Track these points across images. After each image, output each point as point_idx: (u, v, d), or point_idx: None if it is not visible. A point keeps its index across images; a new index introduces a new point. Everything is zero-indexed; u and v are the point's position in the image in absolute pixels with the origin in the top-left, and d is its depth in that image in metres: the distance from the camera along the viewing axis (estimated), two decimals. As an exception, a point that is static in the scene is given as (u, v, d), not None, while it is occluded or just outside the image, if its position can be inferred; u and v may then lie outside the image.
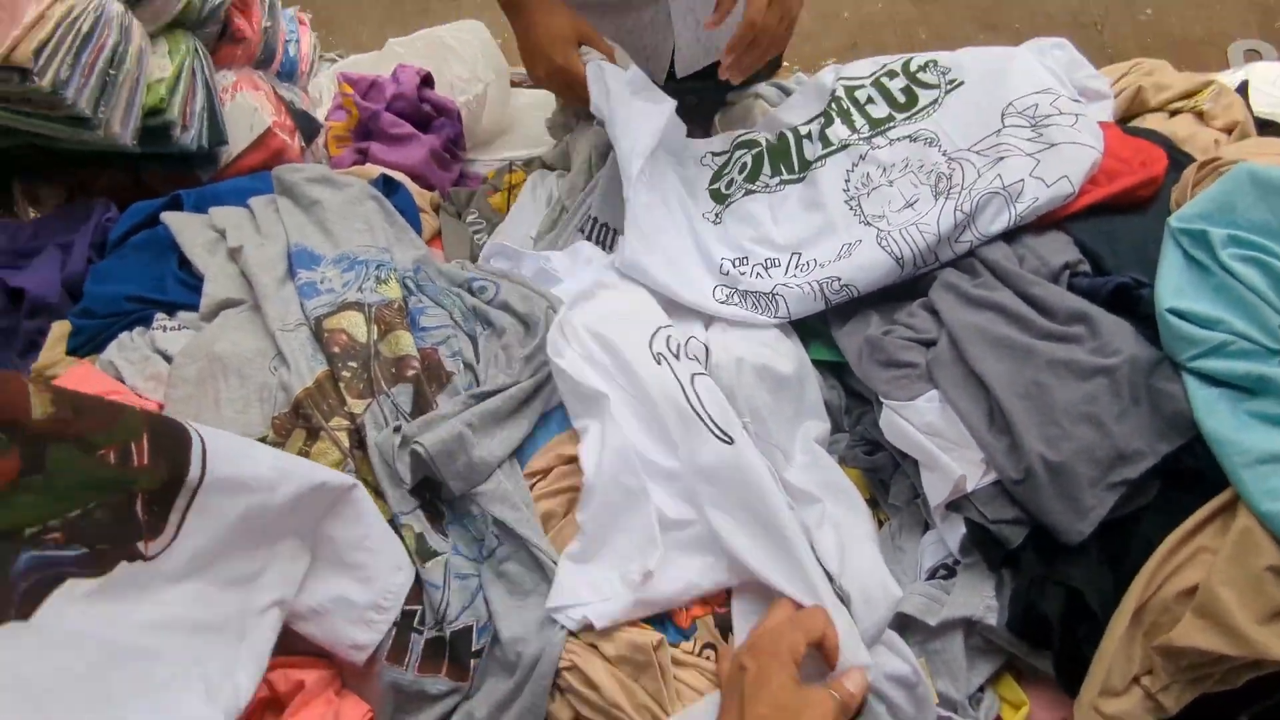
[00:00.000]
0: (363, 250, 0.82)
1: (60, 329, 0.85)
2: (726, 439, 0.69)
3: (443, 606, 0.65)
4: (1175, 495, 0.68)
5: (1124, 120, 0.97)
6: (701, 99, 1.23)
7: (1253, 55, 2.28)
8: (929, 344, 0.79)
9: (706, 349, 0.80)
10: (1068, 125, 0.81)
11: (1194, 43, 2.51)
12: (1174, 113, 0.94)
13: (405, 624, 0.66)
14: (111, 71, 0.88)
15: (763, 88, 1.29)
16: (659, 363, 0.74)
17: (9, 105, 0.86)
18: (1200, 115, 0.92)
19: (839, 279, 0.82)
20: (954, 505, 0.72)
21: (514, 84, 1.35)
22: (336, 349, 0.73)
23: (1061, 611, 0.66)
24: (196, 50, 1.01)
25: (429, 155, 1.11)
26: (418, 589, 0.67)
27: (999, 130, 0.87)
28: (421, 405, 0.72)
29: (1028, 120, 0.84)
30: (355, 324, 0.75)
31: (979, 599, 0.68)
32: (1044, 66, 0.89)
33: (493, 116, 1.26)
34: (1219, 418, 0.64)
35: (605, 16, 1.13)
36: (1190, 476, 0.67)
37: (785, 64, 2.53)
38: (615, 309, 0.80)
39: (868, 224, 0.87)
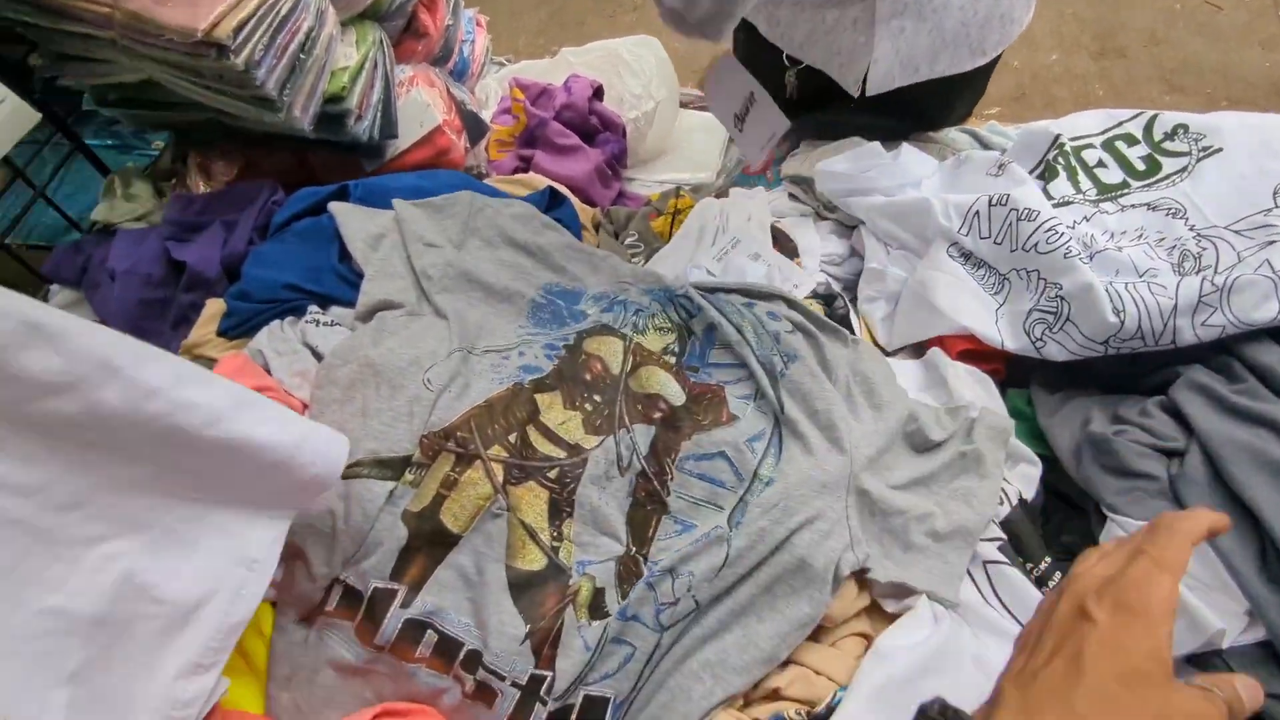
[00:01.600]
0: (615, 289, 0.80)
1: (214, 307, 0.83)
2: None
3: (584, 669, 0.58)
4: None
5: None
6: (885, 133, 1.13)
7: None
8: (1171, 454, 0.66)
9: None
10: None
11: None
12: None
13: (530, 691, 0.59)
14: (302, 56, 0.86)
15: (953, 134, 1.17)
16: None
17: (202, 80, 0.85)
18: None
19: (1060, 285, 0.74)
20: (1195, 659, 0.59)
21: (683, 104, 1.29)
22: (589, 376, 0.71)
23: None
24: (381, 42, 0.99)
25: (594, 170, 1.06)
26: (551, 654, 0.60)
27: (1269, 210, 0.74)
28: (659, 450, 0.67)
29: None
30: (613, 352, 0.73)
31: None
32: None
33: (658, 135, 1.21)
34: None
35: (801, 11, 1.04)
36: None
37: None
38: None
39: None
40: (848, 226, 1.02)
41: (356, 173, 1.02)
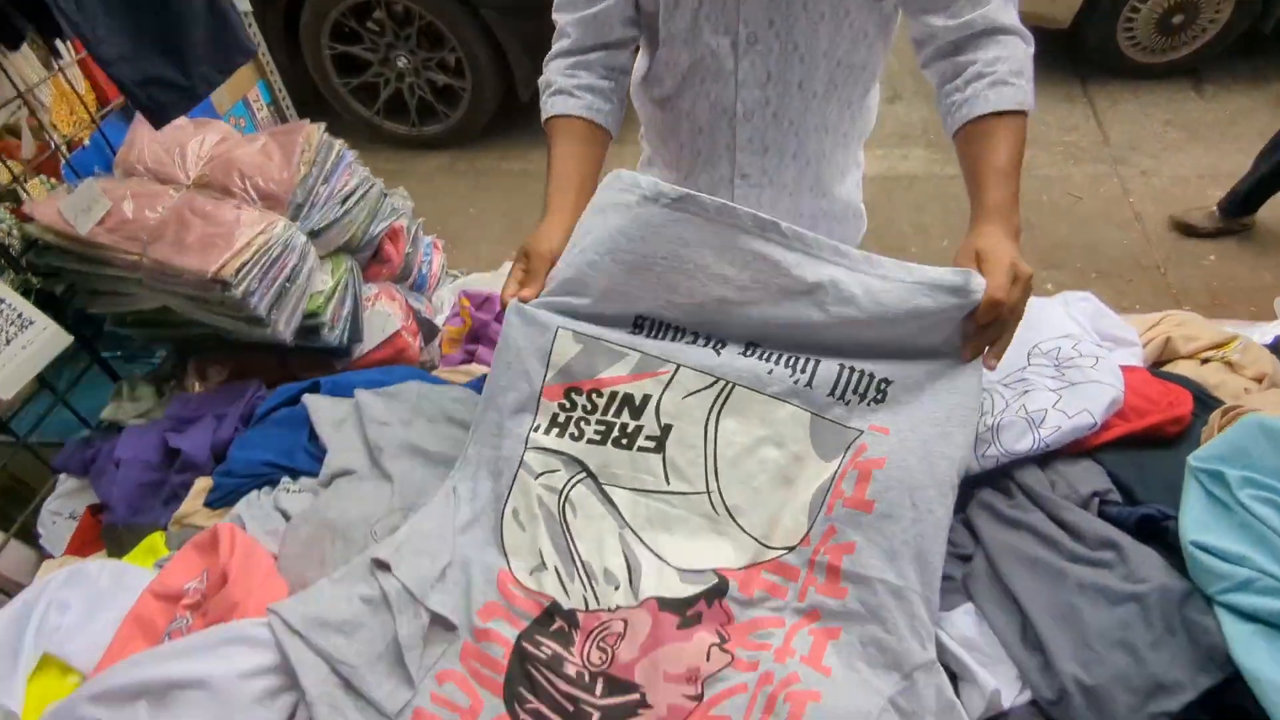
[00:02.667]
0: None
1: (202, 484, 1.01)
2: None
3: None
4: (1224, 734, 0.68)
5: (1157, 365, 1.05)
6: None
7: None
8: (966, 559, 0.84)
9: None
10: (1088, 366, 0.90)
11: (1262, 288, 2.59)
12: (1205, 361, 1.01)
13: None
14: (288, 284, 1.10)
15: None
16: None
17: (207, 306, 1.09)
18: (1230, 365, 0.99)
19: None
20: (992, 723, 0.73)
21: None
22: None
23: None
24: (352, 268, 1.25)
25: (526, 359, 1.28)
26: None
27: (1024, 368, 0.96)
28: None
29: (1051, 361, 0.93)
30: None
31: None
32: (1069, 315, 0.99)
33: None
34: (1256, 656, 0.65)
35: (682, 180, 1.23)
36: (1238, 714, 0.67)
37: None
38: None
39: None
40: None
41: (328, 370, 1.23)
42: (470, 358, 1.31)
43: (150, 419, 1.19)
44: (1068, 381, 0.89)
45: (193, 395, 1.16)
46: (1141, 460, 0.86)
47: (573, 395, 0.90)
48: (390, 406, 1.03)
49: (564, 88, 1.06)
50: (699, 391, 0.87)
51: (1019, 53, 0.93)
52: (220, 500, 0.97)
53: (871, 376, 0.84)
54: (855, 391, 0.84)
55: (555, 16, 1.09)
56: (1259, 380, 0.97)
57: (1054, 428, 0.86)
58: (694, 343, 0.89)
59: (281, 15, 3.18)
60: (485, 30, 3.07)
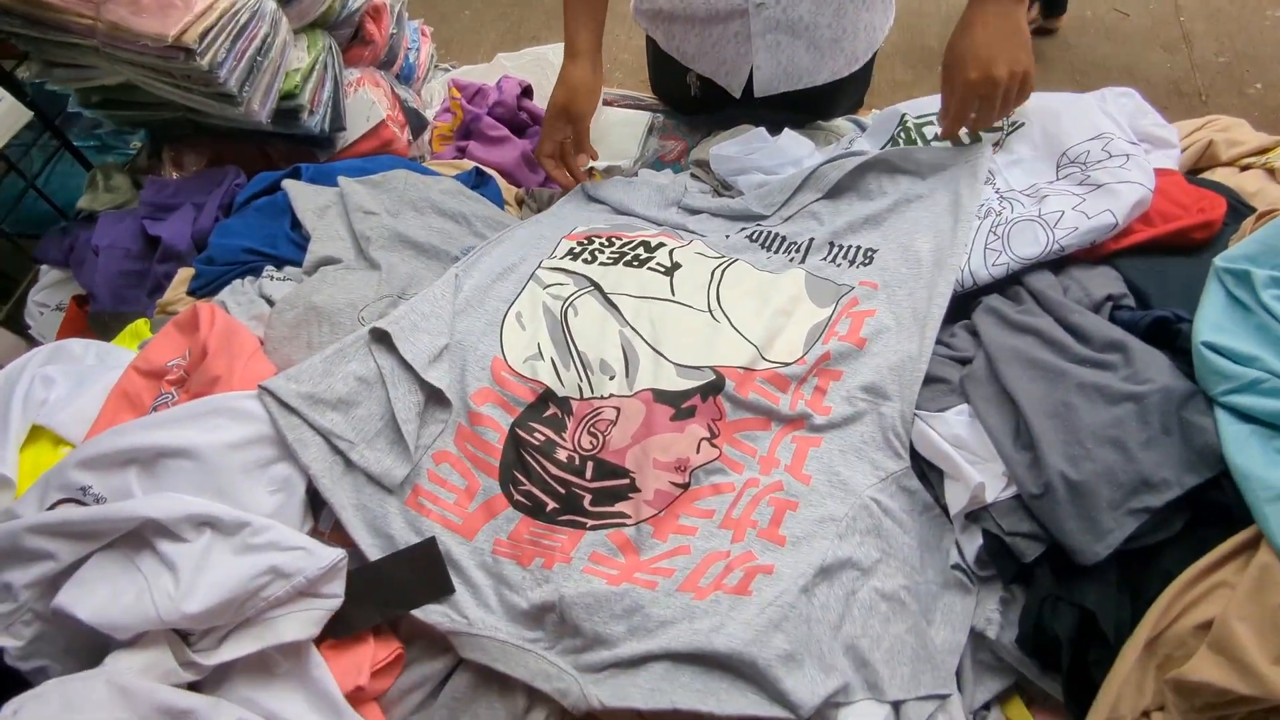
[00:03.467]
0: None
1: (184, 273, 0.98)
2: None
3: None
4: (1201, 531, 0.68)
5: (1194, 172, 0.98)
6: (781, 125, 1.30)
7: None
8: (965, 361, 0.82)
9: None
10: (1116, 166, 0.84)
11: (1309, 119, 2.43)
12: (1245, 168, 0.95)
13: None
14: (259, 58, 1.01)
15: (840, 122, 1.34)
16: None
17: (172, 79, 1.00)
18: (1272, 172, 0.92)
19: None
20: (973, 516, 0.74)
21: (606, 102, 1.45)
22: None
23: (1072, 632, 0.67)
24: (330, 47, 1.14)
25: (520, 157, 1.21)
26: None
27: (1052, 181, 0.90)
28: None
29: (1079, 168, 0.87)
30: None
31: (982, 610, 0.70)
32: (1104, 112, 0.91)
33: (583, 129, 1.36)
34: (1248, 453, 0.65)
35: (690, 28, 1.21)
36: (1218, 512, 0.68)
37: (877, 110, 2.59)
38: None
39: None
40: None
41: (312, 161, 1.16)
42: (461, 154, 1.24)
43: (128, 209, 1.14)
44: (1093, 184, 0.84)
45: (169, 180, 1.10)
46: (1163, 267, 0.82)
47: (593, 237, 0.94)
48: (375, 195, 0.98)
49: None
50: (708, 256, 0.93)
51: None
52: (204, 289, 0.94)
53: (858, 248, 0.92)
54: (845, 258, 0.92)
55: None
56: (1300, 190, 0.91)
57: (1071, 229, 0.82)
58: (704, 239, 0.99)
59: None
60: None
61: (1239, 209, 0.87)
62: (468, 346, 0.83)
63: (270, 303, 0.88)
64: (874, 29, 1.24)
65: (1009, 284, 0.86)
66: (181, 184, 1.09)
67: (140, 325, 0.92)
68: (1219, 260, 0.72)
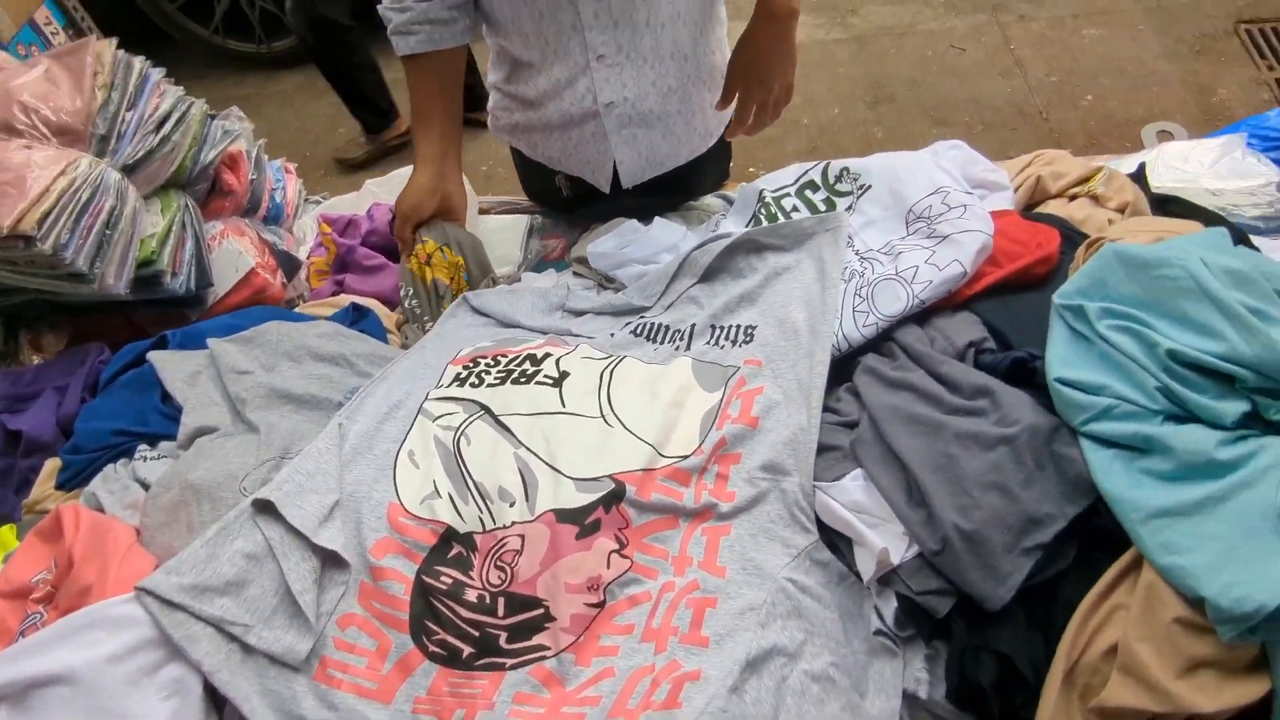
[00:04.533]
0: None
1: (51, 465, 0.92)
2: None
3: None
4: (1094, 556, 0.71)
5: (1031, 207, 1.06)
6: (653, 209, 1.34)
7: (1165, 136, 2.42)
8: (853, 425, 0.84)
9: None
10: (956, 217, 0.89)
11: (1134, 121, 2.67)
12: (1073, 197, 1.02)
13: None
14: (108, 231, 0.98)
15: (709, 200, 1.39)
16: None
17: (16, 268, 0.96)
18: (1096, 198, 1.00)
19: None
20: (885, 580, 0.75)
21: (482, 210, 1.47)
22: None
23: (995, 679, 0.68)
24: (186, 206, 1.12)
25: (399, 282, 1.20)
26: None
27: (904, 237, 0.96)
28: None
29: (925, 222, 0.92)
30: None
31: (910, 671, 0.70)
32: (939, 167, 0.98)
33: (462, 242, 1.37)
34: (1114, 478, 0.68)
35: (549, 135, 1.25)
36: (1104, 536, 0.71)
37: (752, 169, 2.71)
38: None
39: None
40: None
41: (182, 323, 1.13)
42: (340, 287, 1.23)
43: (-16, 402, 1.08)
44: (939, 236, 0.89)
45: (26, 369, 1.05)
46: (1013, 304, 0.87)
47: (479, 359, 0.94)
48: (248, 352, 0.96)
49: (399, 27, 1.08)
50: (595, 359, 0.94)
51: None
52: (72, 480, 0.89)
53: (738, 326, 0.94)
54: (727, 338, 0.94)
55: None
56: (1122, 210, 0.99)
57: (926, 282, 0.86)
58: (591, 341, 1.00)
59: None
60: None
61: (1072, 237, 0.94)
62: (360, 498, 0.81)
63: (146, 486, 0.84)
64: (710, 104, 1.30)
65: (881, 341, 0.90)
66: (40, 369, 1.03)
67: (4, 533, 0.86)
68: (1056, 298, 0.77)
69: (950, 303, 0.89)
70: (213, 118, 1.19)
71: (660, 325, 0.98)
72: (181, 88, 1.12)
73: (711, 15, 1.19)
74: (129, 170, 1.04)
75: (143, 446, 0.89)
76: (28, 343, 1.12)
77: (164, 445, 0.89)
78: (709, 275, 1.01)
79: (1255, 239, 0.97)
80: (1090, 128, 2.69)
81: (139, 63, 1.07)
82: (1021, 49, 3.00)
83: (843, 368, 0.90)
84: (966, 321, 0.87)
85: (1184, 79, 2.78)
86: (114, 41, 1.05)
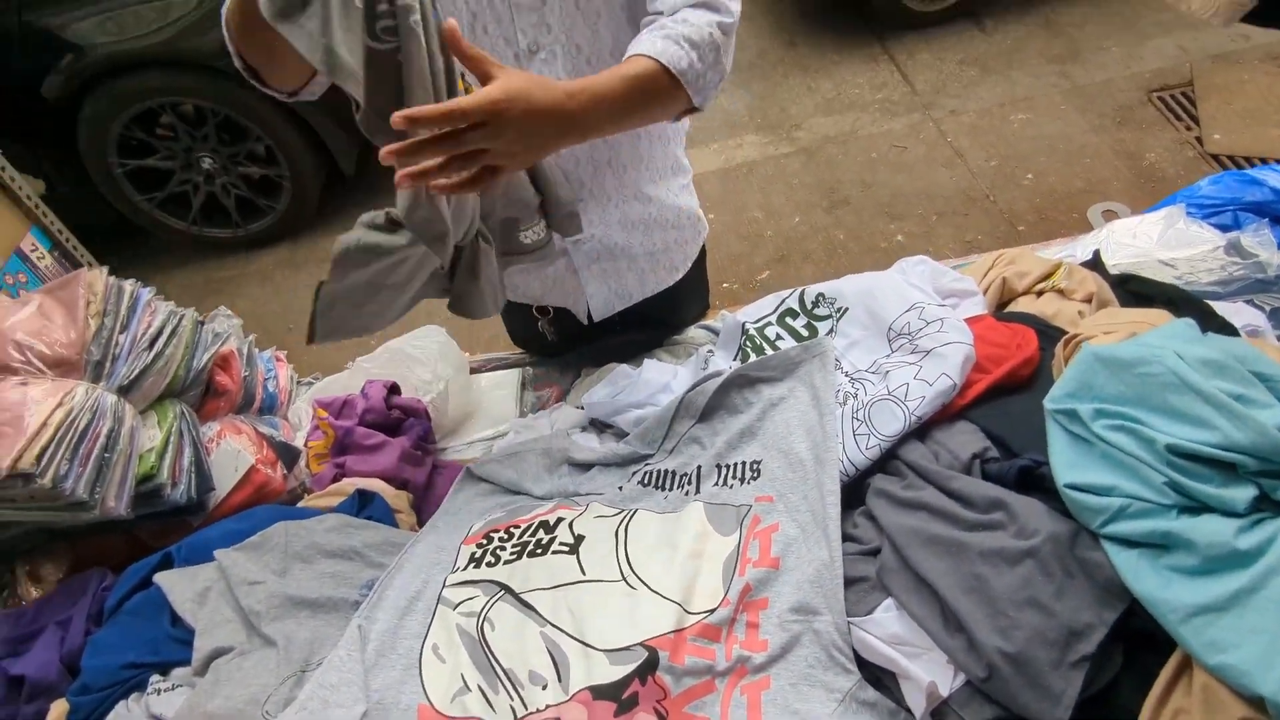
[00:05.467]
0: None
1: (58, 709, 0.88)
2: None
3: None
4: (1142, 658, 0.70)
5: (1001, 306, 1.10)
6: (637, 346, 1.37)
7: (1110, 215, 2.56)
8: (875, 552, 0.84)
9: None
10: (935, 331, 0.92)
11: (1075, 193, 2.81)
12: (1040, 294, 1.07)
13: None
14: (106, 455, 0.99)
15: (692, 331, 1.43)
16: None
17: (15, 504, 0.96)
18: (1061, 292, 1.04)
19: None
20: (938, 714, 0.72)
21: (473, 370, 1.49)
22: None
23: (1069, 800, 0.65)
24: (183, 413, 1.13)
25: (400, 457, 1.21)
26: None
27: (888, 356, 0.99)
28: None
29: (907, 339, 0.95)
30: None
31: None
32: (909, 284, 1.02)
33: (458, 406, 1.39)
34: (1144, 579, 0.68)
35: (527, 272, 1.28)
36: (1147, 637, 0.69)
37: (725, 284, 2.79)
38: None
39: None
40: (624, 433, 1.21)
41: (184, 532, 1.11)
42: (341, 470, 1.22)
43: (-17, 646, 1.04)
44: (922, 350, 0.92)
45: (25, 609, 1.02)
46: (1007, 408, 0.89)
47: (491, 534, 0.93)
48: (258, 559, 0.94)
49: None
50: (607, 516, 0.93)
51: (700, 22, 0.90)
52: (82, 723, 0.85)
53: (743, 463, 0.94)
54: (735, 476, 0.93)
55: None
56: (1088, 300, 1.03)
57: (919, 398, 0.88)
58: (600, 497, 1.00)
59: (53, 140, 2.90)
60: (287, 111, 2.92)
61: (1048, 332, 0.97)
62: (389, 704, 0.78)
63: (160, 722, 0.80)
64: (685, 243, 1.36)
65: (887, 460, 0.91)
66: (40, 605, 1.01)
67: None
68: (1048, 404, 0.78)
69: (945, 414, 0.91)
70: (202, 323, 1.22)
71: (667, 472, 0.99)
72: (172, 303, 1.16)
73: (674, 163, 1.26)
74: (124, 390, 1.05)
75: (155, 677, 0.86)
76: (25, 575, 1.10)
77: (178, 673, 0.86)
78: (706, 414, 1.03)
79: (1216, 304, 1.01)
80: (1037, 204, 2.83)
81: (130, 285, 1.11)
82: (958, 140, 3.19)
83: (852, 491, 0.91)
84: (966, 432, 0.88)
85: (1114, 148, 2.96)
86: (105, 270, 1.10)
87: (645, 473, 1.00)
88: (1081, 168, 2.92)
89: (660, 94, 0.89)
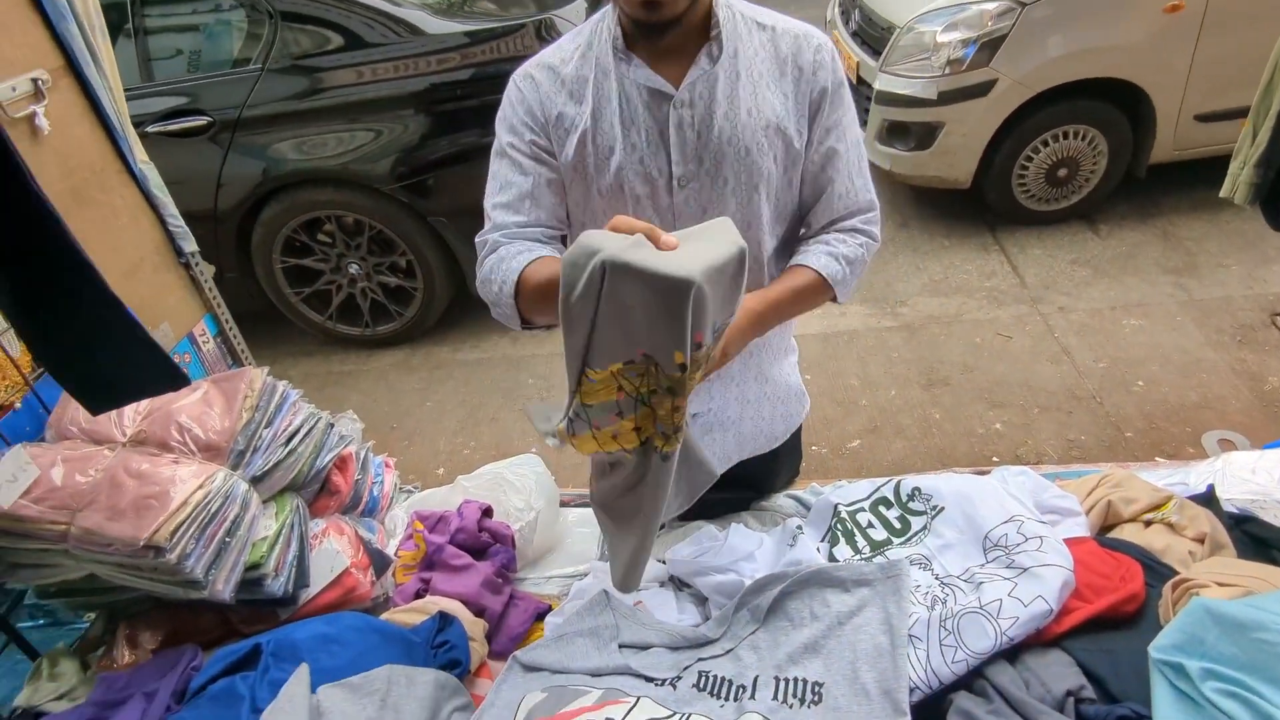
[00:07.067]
0: None
1: (129, 782, 0.92)
2: None
3: None
4: None
5: (1104, 531, 1.07)
6: (724, 505, 1.39)
7: (1227, 444, 2.43)
8: (954, 779, 0.80)
9: None
10: (1034, 549, 0.91)
11: (1189, 407, 2.70)
12: (1148, 523, 1.03)
13: None
14: (227, 539, 1.07)
15: (781, 499, 1.44)
16: None
17: (139, 573, 1.04)
18: (1171, 526, 1.01)
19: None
20: None
21: (563, 504, 1.54)
22: None
23: None
24: (298, 507, 1.22)
25: (482, 584, 1.24)
26: None
27: (984, 565, 0.97)
28: None
29: (1003, 551, 0.94)
30: None
31: None
32: (1009, 494, 1.01)
33: (543, 538, 1.43)
34: None
35: None
36: None
37: (815, 447, 2.79)
38: None
39: None
40: (701, 595, 1.21)
41: (272, 619, 1.17)
42: (425, 586, 1.27)
43: (72, 700, 1.10)
44: (1019, 567, 0.90)
45: (119, 675, 1.08)
46: (1109, 645, 0.85)
47: None
48: (356, 702, 0.95)
49: (510, 259, 1.04)
50: (661, 718, 0.90)
51: (854, 244, 1.12)
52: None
53: (804, 682, 0.92)
54: (795, 695, 0.91)
55: (492, 214, 1.07)
56: (1200, 540, 0.99)
57: (1012, 618, 0.86)
58: (649, 683, 0.98)
59: (234, 234, 3.31)
60: (433, 233, 3.24)
61: (1155, 568, 0.94)
62: None
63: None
64: (789, 417, 1.39)
65: (970, 677, 0.87)
66: (134, 674, 1.07)
67: None
68: (1155, 652, 0.75)
69: (1039, 638, 0.88)
70: (332, 425, 1.33)
71: (722, 679, 0.97)
72: (312, 405, 1.28)
73: (789, 345, 1.33)
74: (256, 480, 1.15)
75: (222, 768, 0.89)
76: (124, 636, 1.17)
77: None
78: (770, 614, 1.01)
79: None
80: (1147, 411, 2.73)
81: (282, 386, 1.23)
82: (1066, 337, 3.15)
83: (933, 706, 0.87)
84: (1060, 664, 0.85)
85: (1232, 367, 2.86)
86: (266, 370, 1.23)
87: (700, 674, 0.99)
88: (1197, 381, 2.82)
89: (816, 296, 1.11)
